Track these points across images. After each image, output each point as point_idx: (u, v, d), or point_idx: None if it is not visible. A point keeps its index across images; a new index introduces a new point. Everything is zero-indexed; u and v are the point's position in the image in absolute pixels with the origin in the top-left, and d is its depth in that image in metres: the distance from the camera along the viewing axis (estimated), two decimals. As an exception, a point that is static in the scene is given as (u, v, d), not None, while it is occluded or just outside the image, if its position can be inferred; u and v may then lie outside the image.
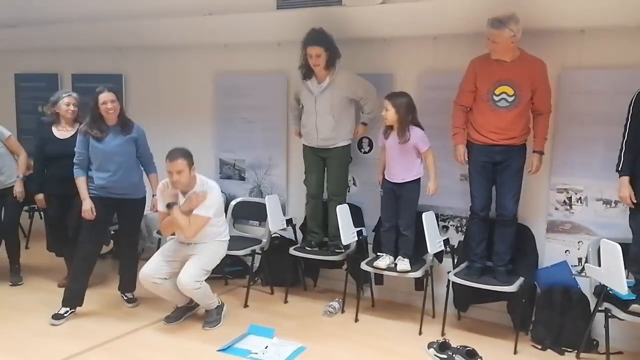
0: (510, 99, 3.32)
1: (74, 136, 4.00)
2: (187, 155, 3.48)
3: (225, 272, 4.51)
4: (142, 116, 4.26)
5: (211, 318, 3.68)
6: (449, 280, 3.56)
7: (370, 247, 4.04)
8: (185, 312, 3.78)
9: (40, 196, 4.20)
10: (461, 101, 3.50)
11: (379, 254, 3.80)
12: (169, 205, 3.52)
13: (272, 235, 4.30)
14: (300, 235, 4.34)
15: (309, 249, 4.06)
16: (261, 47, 4.45)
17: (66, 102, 4.11)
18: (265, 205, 4.08)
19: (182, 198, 3.57)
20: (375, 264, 3.70)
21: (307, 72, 3.88)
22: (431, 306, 3.85)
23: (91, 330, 3.57)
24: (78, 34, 5.20)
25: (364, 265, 3.76)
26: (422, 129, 3.63)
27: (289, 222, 4.26)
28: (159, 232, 4.51)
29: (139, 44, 5.00)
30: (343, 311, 3.93)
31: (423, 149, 3.62)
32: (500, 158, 3.41)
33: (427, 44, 3.89)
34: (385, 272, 3.71)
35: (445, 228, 3.96)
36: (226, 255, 4.12)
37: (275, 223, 4.09)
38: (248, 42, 4.26)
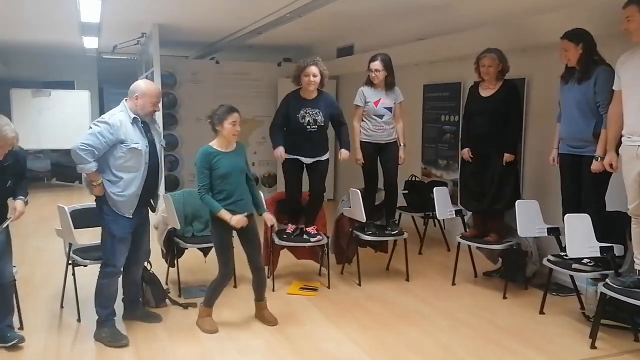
0: None
1: (497, 92, 4.26)
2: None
3: (638, 323, 3.47)
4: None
5: None
6: None
7: None
8: None
9: (464, 151, 4.52)
10: None
11: None
12: None
13: None
14: None
15: None
16: None
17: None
18: None
19: None
20: None
21: None
22: None
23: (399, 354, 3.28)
24: (482, 40, 4.93)
25: None
26: None
27: None
28: (549, 261, 3.84)
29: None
30: None
31: None
32: None
33: None
34: None
35: None
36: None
37: None
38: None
